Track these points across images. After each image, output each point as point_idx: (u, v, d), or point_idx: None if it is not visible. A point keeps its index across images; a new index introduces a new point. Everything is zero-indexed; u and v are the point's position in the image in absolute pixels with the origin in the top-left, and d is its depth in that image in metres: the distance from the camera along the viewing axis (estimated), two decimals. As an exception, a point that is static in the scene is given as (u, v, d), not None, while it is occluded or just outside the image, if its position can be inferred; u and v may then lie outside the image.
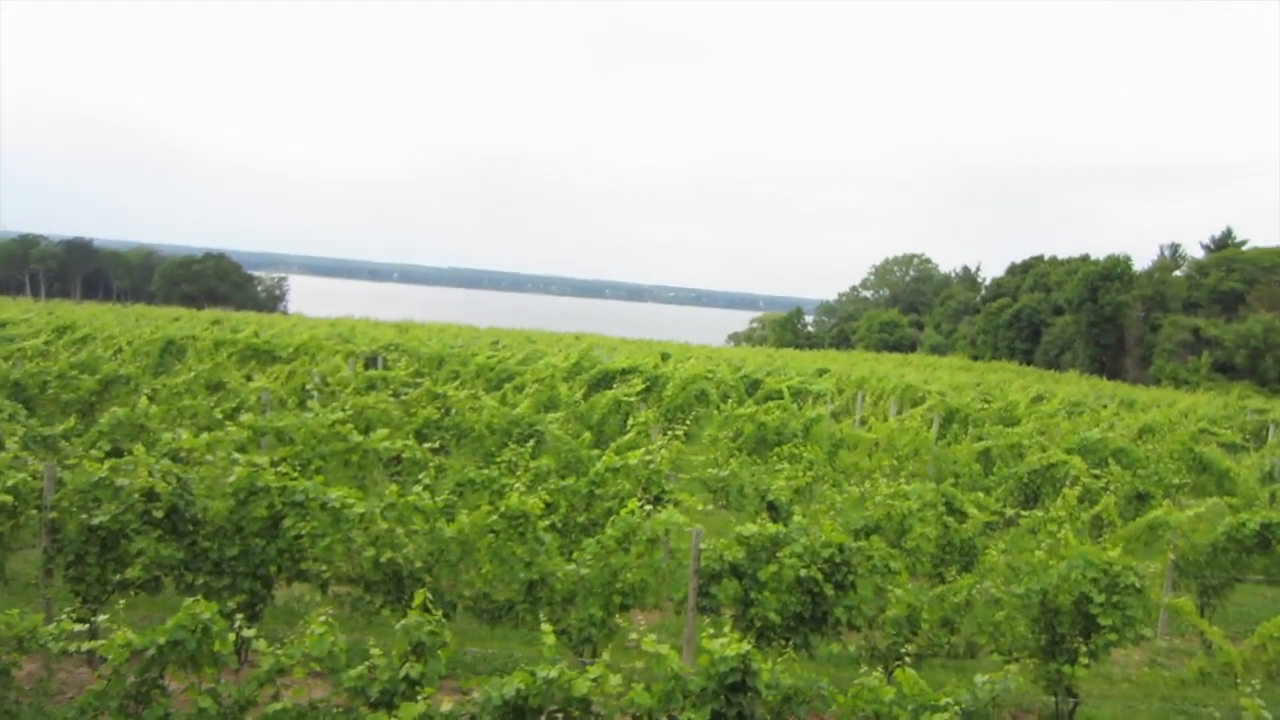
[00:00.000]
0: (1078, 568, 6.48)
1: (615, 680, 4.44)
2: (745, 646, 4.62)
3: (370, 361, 19.48)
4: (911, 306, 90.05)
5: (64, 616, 4.76)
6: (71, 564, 6.42)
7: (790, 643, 6.69)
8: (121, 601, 6.16)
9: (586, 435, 11.58)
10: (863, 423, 17.99)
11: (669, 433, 10.65)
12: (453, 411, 12.15)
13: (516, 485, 7.95)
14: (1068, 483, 11.28)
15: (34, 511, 6.56)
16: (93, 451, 8.28)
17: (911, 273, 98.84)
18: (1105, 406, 23.85)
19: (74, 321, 23.39)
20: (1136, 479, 11.98)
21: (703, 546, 6.90)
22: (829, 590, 6.64)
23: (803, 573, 6.61)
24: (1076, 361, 60.20)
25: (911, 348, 73.50)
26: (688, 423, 14.91)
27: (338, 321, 38.80)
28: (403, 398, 13.00)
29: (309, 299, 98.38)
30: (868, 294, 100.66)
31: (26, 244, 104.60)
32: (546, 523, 7.18)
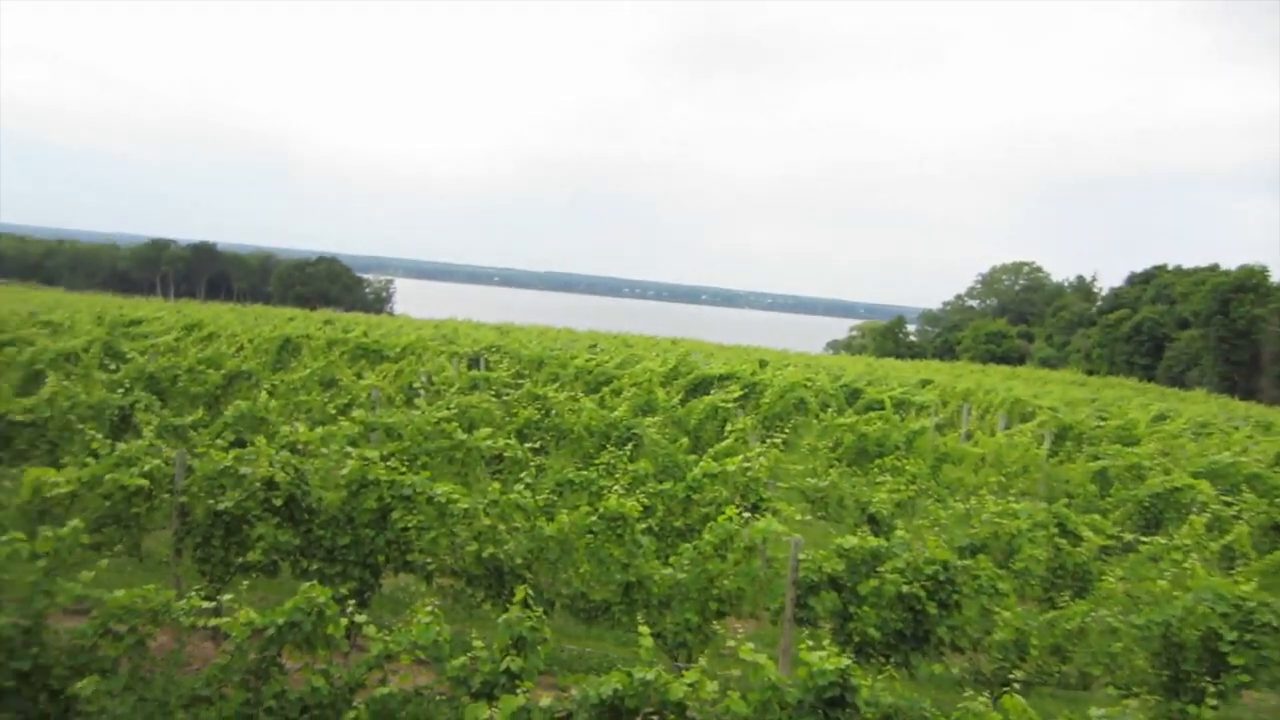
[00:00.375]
0: (1206, 601, 6.06)
1: (711, 686, 4.41)
2: (845, 661, 4.52)
3: (473, 362, 20.01)
4: (1021, 317, 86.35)
5: (193, 593, 5.07)
6: (199, 545, 6.85)
7: (890, 660, 6.52)
8: (244, 583, 6.54)
9: (684, 440, 11.58)
10: (969, 437, 17.33)
11: (767, 440, 10.53)
12: (552, 413, 12.35)
13: (614, 487, 8.03)
14: (1194, 509, 10.56)
15: (166, 495, 7.03)
16: (218, 441, 8.83)
17: (1021, 281, 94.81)
18: (1237, 429, 22.19)
19: (201, 320, 24.89)
20: (1274, 508, 11.11)
21: (801, 557, 6.79)
22: (932, 609, 6.43)
23: (904, 589, 6.43)
24: (1204, 379, 56.46)
25: (1020, 360, 70.41)
26: (786, 431, 14.71)
27: (442, 323, 40.05)
28: (504, 398, 13.32)
29: (414, 301, 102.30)
30: (974, 303, 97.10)
31: (158, 247, 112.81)
32: (644, 526, 7.22)
